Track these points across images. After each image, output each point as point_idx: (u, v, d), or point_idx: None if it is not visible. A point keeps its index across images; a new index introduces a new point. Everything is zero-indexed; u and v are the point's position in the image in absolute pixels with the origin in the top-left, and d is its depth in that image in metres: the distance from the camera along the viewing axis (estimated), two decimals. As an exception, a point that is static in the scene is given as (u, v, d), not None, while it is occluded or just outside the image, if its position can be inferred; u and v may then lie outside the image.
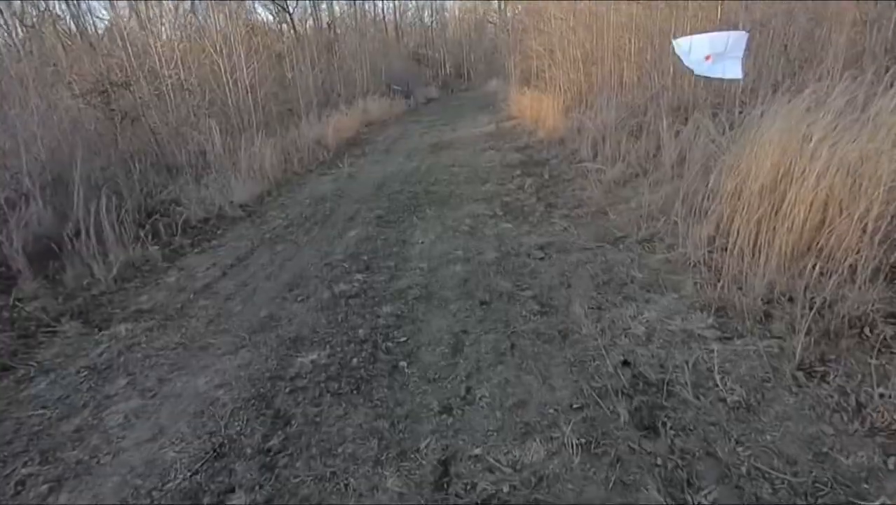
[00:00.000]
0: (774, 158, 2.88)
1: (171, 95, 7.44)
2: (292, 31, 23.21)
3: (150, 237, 4.33)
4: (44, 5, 12.66)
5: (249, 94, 9.34)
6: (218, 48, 8.75)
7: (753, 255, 2.65)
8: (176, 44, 7.99)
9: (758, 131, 3.31)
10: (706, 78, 5.11)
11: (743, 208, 2.85)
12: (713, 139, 4.32)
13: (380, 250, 3.98)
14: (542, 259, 3.45)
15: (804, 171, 2.68)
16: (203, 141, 6.70)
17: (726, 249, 2.87)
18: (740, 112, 4.95)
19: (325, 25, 22.34)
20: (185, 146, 6.81)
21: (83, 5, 12.13)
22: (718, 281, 2.65)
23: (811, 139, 2.86)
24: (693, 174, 3.99)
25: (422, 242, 4.07)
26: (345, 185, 6.41)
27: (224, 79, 8.74)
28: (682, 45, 4.89)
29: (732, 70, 4.61)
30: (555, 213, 4.42)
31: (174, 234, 4.62)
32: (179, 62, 7.74)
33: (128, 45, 7.71)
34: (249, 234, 4.72)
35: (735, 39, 4.56)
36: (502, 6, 27.09)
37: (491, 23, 30.09)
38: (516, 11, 22.29)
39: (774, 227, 2.66)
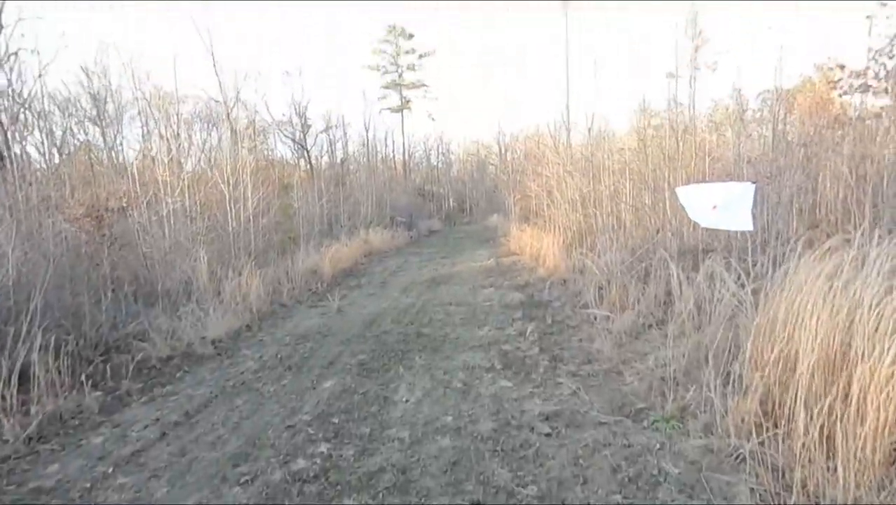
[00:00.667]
0: (824, 328, 2.40)
1: (171, 221, 7.33)
2: (308, 166, 24.87)
3: (91, 381, 3.70)
4: (84, 137, 13.48)
5: (251, 222, 9.36)
6: (226, 178, 8.94)
7: (827, 455, 2.03)
8: (180, 173, 8.12)
9: (790, 291, 2.89)
10: (714, 229, 4.90)
11: (796, 388, 2.30)
12: (733, 293, 3.90)
13: (355, 410, 3.33)
14: (548, 435, 2.80)
15: (867, 347, 2.18)
16: (188, 269, 6.38)
17: (783, 441, 2.26)
18: (754, 264, 4.64)
19: (338, 161, 23.87)
20: (172, 273, 6.48)
21: (118, 138, 12.91)
22: (785, 489, 1.99)
23: (863, 304, 2.41)
24: (716, 330, 3.50)
25: (406, 401, 3.43)
26: (332, 321, 5.91)
27: (228, 207, 8.79)
28: (685, 194, 4.74)
29: (742, 222, 4.38)
30: (561, 368, 3.84)
31: (124, 376, 4.01)
32: (186, 189, 7.78)
33: (134, 172, 7.86)
34: (212, 379, 4.09)
35: (742, 191, 4.39)
36: (502, 150, 29.18)
37: (492, 164, 32.20)
38: (515, 155, 23.95)
39: (843, 419, 2.08)
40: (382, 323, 5.63)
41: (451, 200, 35.90)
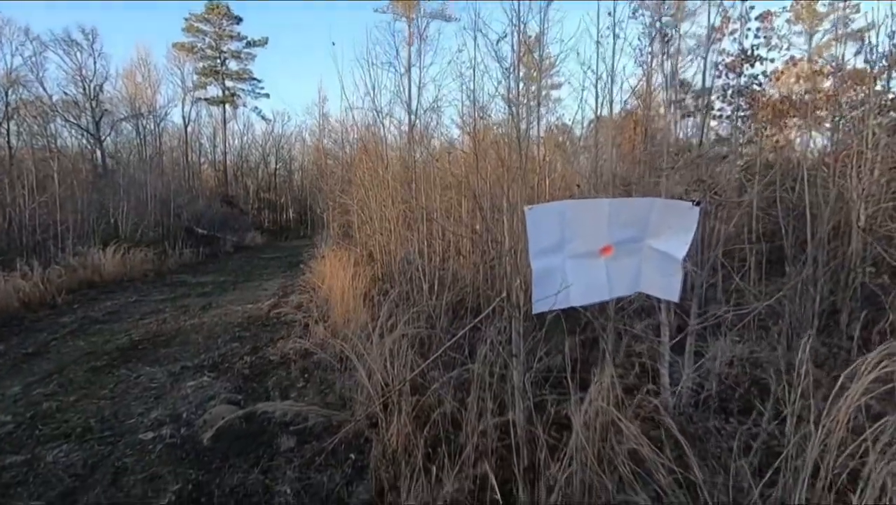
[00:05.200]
0: None
1: None
2: (102, 160, 19.34)
3: None
4: None
5: None
6: None
7: None
8: None
9: None
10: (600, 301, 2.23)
11: None
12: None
13: None
14: None
15: None
16: None
17: None
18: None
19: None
20: None
21: None
22: None
23: None
24: None
25: None
26: None
27: None
28: (542, 219, 2.00)
29: (666, 285, 1.71)
30: None
31: None
32: None
33: None
34: None
35: (664, 211, 1.74)
36: (347, 158, 25.89)
37: (334, 172, 28.60)
38: (353, 161, 20.79)
39: None
40: None
41: (290, 211, 31.28)
